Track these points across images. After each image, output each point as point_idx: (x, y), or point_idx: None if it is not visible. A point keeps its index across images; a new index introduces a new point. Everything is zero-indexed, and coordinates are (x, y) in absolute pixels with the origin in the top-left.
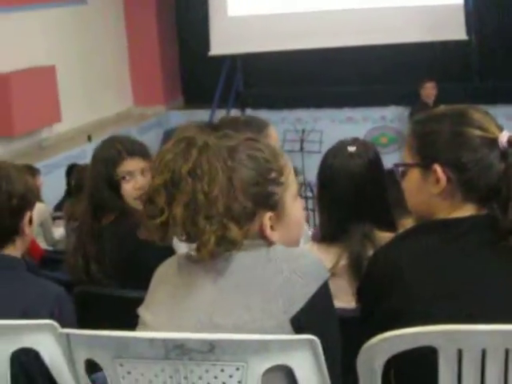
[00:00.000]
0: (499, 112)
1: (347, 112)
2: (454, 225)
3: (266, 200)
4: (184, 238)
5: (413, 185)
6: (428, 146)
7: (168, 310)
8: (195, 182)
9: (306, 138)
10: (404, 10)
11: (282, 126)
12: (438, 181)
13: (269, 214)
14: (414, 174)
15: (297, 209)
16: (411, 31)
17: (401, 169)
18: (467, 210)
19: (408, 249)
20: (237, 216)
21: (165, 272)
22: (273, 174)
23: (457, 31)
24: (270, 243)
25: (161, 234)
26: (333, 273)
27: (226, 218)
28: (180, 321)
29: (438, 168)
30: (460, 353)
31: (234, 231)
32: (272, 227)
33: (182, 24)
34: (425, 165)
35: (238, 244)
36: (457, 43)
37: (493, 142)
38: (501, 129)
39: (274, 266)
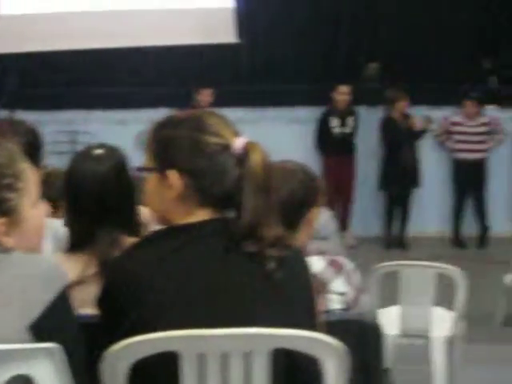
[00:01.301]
0: (271, 115)
1: (119, 114)
2: (186, 230)
3: None
4: None
5: (151, 189)
6: (164, 152)
7: None
8: None
9: (77, 139)
10: (176, 12)
11: (51, 127)
12: (171, 186)
13: (1, 220)
14: (152, 179)
15: (36, 215)
16: (183, 34)
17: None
18: (202, 215)
19: (144, 257)
20: None
21: None
22: (7, 180)
23: (228, 34)
24: (6, 249)
25: None
26: (82, 281)
27: None
28: None
29: (171, 174)
30: (203, 357)
31: None
32: (7, 233)
33: None
34: (160, 170)
35: None
36: (228, 46)
37: (228, 147)
38: (237, 134)
39: (11, 272)
